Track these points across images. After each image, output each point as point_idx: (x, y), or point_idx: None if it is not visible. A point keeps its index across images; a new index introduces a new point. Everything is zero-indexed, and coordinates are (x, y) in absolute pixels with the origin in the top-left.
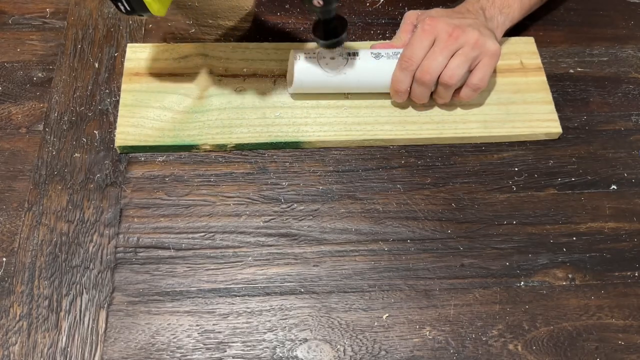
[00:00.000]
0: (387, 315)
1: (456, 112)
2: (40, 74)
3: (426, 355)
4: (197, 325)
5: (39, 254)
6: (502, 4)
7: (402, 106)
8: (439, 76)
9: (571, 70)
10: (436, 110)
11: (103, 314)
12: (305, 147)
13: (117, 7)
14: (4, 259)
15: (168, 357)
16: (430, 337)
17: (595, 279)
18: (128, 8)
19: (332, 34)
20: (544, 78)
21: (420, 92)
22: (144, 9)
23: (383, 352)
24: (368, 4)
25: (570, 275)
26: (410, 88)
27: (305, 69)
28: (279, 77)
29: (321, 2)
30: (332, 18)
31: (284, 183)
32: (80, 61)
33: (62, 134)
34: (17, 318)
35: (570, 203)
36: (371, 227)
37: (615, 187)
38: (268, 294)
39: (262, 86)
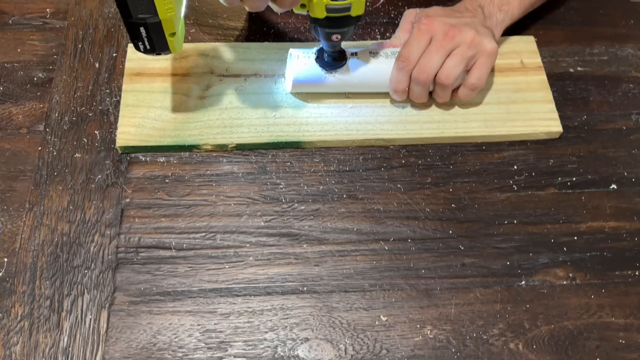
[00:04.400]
0: (388, 314)
1: (457, 112)
2: (40, 74)
3: (427, 354)
4: (199, 325)
5: (40, 254)
6: (501, 2)
7: (403, 106)
8: (436, 76)
9: (571, 70)
10: (437, 109)
11: (104, 314)
12: (306, 146)
13: (137, 46)
14: (6, 259)
15: (170, 356)
16: (432, 336)
17: (596, 278)
18: (148, 47)
19: (334, 64)
20: (545, 77)
21: (418, 92)
22: (165, 49)
23: (384, 351)
24: (368, 4)
25: (571, 275)
26: (409, 87)
27: (303, 68)
28: (280, 77)
29: (339, 37)
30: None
31: (284, 183)
32: (81, 61)
33: (63, 134)
34: (19, 318)
35: (570, 202)
36: (372, 227)
37: (616, 187)
38: (269, 293)
39: (263, 86)
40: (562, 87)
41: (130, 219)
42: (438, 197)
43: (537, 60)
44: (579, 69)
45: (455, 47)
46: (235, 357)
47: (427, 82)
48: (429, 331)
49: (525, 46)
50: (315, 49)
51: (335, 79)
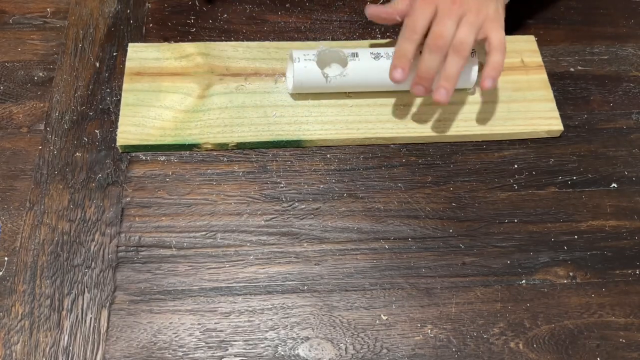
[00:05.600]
0: (388, 313)
1: (457, 110)
2: (41, 74)
3: (428, 354)
4: (199, 324)
5: (40, 253)
6: None
7: (404, 104)
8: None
9: (572, 69)
10: (437, 108)
11: (105, 313)
12: (307, 145)
13: None
14: (6, 258)
15: (170, 355)
16: (432, 335)
17: (596, 277)
18: None
19: None
20: (545, 76)
21: (431, 63)
22: None
23: (385, 350)
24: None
25: (571, 274)
26: (414, 80)
27: (304, 70)
28: (280, 76)
29: None
30: None
31: (285, 182)
32: (81, 60)
33: (63, 133)
34: (19, 317)
35: (571, 201)
36: (372, 226)
37: (616, 185)
38: (270, 292)
39: (263, 85)
40: (563, 86)
41: (131, 218)
42: (438, 196)
43: (537, 59)
44: (580, 68)
45: (462, 15)
46: (235, 356)
47: (444, 49)
48: (429, 330)
49: (525, 45)
50: (316, 50)
51: (336, 81)
